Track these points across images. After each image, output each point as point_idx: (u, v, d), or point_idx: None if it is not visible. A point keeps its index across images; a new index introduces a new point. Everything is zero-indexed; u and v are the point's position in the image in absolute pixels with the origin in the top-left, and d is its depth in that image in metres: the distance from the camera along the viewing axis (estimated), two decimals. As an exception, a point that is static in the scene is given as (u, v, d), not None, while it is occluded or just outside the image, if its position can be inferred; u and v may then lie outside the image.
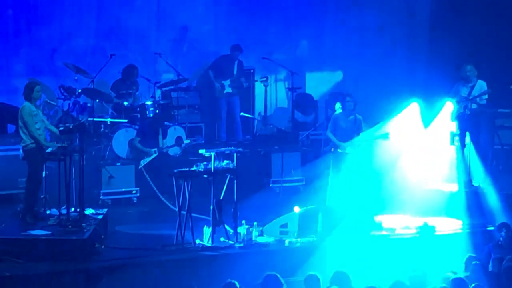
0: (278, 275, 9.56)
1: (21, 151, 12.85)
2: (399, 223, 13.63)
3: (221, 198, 12.35)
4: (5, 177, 14.23)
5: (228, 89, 17.08)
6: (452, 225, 13.66)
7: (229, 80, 17.05)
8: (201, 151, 12.55)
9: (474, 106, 15.33)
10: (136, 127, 15.50)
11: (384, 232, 13.24)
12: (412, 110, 15.95)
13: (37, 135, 12.32)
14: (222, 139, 16.96)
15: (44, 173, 12.60)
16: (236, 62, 17.05)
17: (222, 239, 12.36)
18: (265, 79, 17.41)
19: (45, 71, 16.51)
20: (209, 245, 12.17)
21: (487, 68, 16.16)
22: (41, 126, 12.48)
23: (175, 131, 15.79)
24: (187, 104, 16.93)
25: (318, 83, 18.89)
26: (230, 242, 12.30)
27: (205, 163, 12.37)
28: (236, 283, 9.50)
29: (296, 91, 17.57)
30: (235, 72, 17.09)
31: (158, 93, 16.49)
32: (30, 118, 12.30)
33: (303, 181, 15.81)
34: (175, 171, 12.29)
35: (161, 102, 16.25)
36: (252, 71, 17.71)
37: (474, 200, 14.49)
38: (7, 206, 13.52)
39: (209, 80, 17.24)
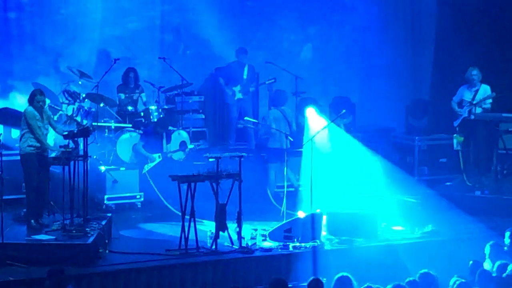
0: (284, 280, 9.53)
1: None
2: (403, 227, 13.61)
3: (225, 202, 12.35)
4: (10, 181, 14.19)
5: (238, 95, 17.04)
6: (455, 230, 13.64)
7: (239, 85, 17.03)
8: (205, 155, 12.56)
9: (478, 110, 15.33)
10: (140, 131, 15.50)
11: (388, 237, 13.24)
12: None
13: (43, 138, 12.34)
14: (230, 146, 16.93)
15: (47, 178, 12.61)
16: (246, 67, 17.04)
17: (226, 244, 12.36)
18: (272, 80, 17.21)
19: (50, 75, 16.49)
20: (213, 249, 12.16)
21: (492, 72, 16.13)
22: (44, 131, 12.49)
23: (179, 136, 15.78)
24: (191, 109, 16.92)
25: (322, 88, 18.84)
26: (234, 247, 12.30)
27: (209, 167, 12.38)
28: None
29: (300, 95, 17.53)
30: (245, 76, 17.07)
31: (162, 97, 16.47)
32: (34, 121, 12.32)
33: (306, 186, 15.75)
34: (179, 175, 12.30)
35: (165, 106, 16.25)
36: (256, 76, 17.66)
37: (479, 205, 14.47)
38: (11, 210, 13.50)
39: (219, 87, 17.23)
